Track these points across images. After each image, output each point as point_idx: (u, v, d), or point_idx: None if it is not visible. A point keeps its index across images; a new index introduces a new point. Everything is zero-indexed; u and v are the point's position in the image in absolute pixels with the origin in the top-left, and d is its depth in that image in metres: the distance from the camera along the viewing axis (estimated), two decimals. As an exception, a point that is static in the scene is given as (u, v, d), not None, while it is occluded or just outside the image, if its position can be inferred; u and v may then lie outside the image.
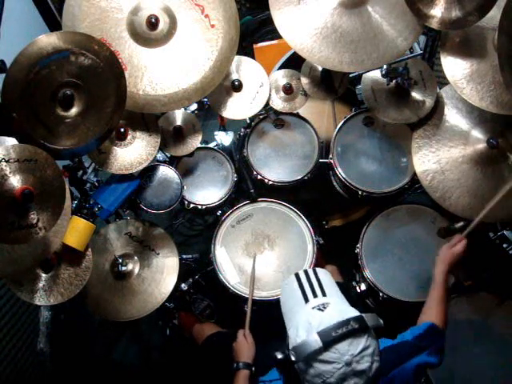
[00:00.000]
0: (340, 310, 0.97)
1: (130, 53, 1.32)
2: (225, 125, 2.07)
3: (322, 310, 0.97)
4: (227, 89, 1.63)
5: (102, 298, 1.52)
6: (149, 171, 1.60)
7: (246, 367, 1.29)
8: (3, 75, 1.04)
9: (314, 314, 0.97)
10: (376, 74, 1.59)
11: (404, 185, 1.68)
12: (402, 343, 1.13)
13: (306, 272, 1.20)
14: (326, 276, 1.20)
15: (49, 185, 1.01)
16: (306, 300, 1.08)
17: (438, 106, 1.56)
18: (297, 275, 1.20)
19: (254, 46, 2.47)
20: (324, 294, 1.10)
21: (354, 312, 0.97)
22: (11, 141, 1.09)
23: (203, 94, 1.41)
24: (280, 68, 2.13)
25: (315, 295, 1.09)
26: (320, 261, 1.79)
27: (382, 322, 0.96)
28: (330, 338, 0.89)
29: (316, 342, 0.89)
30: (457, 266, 1.36)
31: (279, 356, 0.96)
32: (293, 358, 0.92)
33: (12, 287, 1.26)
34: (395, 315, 1.33)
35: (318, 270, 1.23)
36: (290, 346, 0.96)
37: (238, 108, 1.64)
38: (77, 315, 2.11)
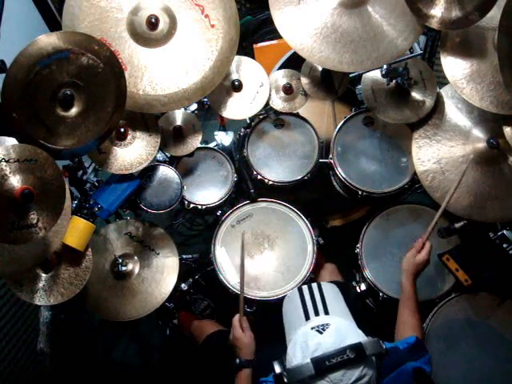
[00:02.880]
0: (340, 333, 0.95)
1: (130, 53, 1.32)
2: (225, 125, 2.07)
3: (321, 333, 0.95)
4: (227, 89, 1.63)
5: (101, 298, 1.52)
6: (149, 171, 1.60)
7: (248, 364, 1.28)
8: (3, 75, 1.04)
9: (313, 335, 0.95)
10: (376, 74, 1.59)
11: (404, 185, 1.68)
12: (393, 349, 1.10)
13: (309, 287, 1.18)
14: (330, 291, 1.18)
15: (49, 185, 1.01)
16: (307, 318, 1.07)
17: (438, 105, 1.56)
18: (300, 290, 1.19)
19: (254, 46, 2.47)
20: (326, 312, 1.08)
21: (354, 336, 0.94)
22: (11, 141, 1.09)
23: (203, 94, 1.41)
24: (280, 68, 2.14)
25: (317, 313, 1.08)
26: (320, 261, 1.79)
27: (384, 347, 0.93)
28: (324, 367, 0.88)
29: (309, 368, 0.88)
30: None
31: (277, 370, 0.95)
32: (285, 380, 0.91)
33: (12, 287, 1.25)
34: (395, 315, 1.33)
35: (323, 284, 1.21)
36: (286, 364, 0.95)
37: (238, 108, 1.64)
38: (77, 315, 2.11)
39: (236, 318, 1.37)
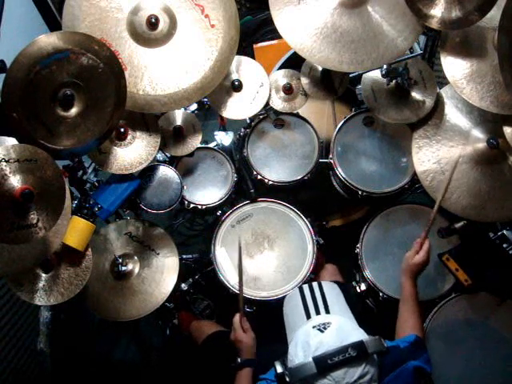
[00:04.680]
0: (341, 332, 0.95)
1: (129, 53, 1.32)
2: (225, 125, 2.07)
3: (322, 332, 0.95)
4: (227, 89, 1.63)
5: (102, 298, 1.52)
6: (149, 171, 1.60)
7: (249, 364, 1.28)
8: (3, 75, 1.04)
9: (314, 334, 0.95)
10: (376, 74, 1.59)
11: (404, 185, 1.68)
12: (394, 347, 1.10)
13: (310, 286, 1.19)
14: (331, 290, 1.19)
15: (49, 185, 1.01)
16: (308, 316, 1.07)
17: (438, 105, 1.56)
18: (300, 289, 1.19)
19: (254, 46, 2.48)
20: (327, 311, 1.09)
21: (356, 335, 0.94)
22: (11, 141, 1.09)
23: (203, 94, 1.41)
24: (280, 68, 2.14)
25: (318, 312, 1.08)
26: (320, 261, 1.79)
27: (385, 345, 0.93)
28: (326, 366, 0.88)
29: (311, 367, 0.88)
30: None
31: (278, 369, 0.96)
32: (287, 379, 0.92)
33: (12, 287, 1.26)
34: (395, 315, 1.33)
35: (324, 283, 1.21)
36: (288, 364, 0.95)
37: (238, 108, 1.64)
38: (77, 315, 2.11)
39: (236, 318, 1.37)
